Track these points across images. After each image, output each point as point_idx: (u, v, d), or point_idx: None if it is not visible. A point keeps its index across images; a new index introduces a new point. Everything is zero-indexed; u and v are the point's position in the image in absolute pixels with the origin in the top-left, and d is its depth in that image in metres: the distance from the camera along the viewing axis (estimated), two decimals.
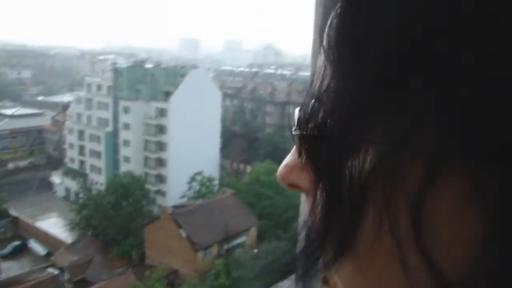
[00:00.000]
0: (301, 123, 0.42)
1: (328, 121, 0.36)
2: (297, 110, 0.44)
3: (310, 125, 0.40)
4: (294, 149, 0.45)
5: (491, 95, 0.28)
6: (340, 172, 0.34)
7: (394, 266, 0.34)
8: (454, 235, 0.31)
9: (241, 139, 54.65)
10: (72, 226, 34.17)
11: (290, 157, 0.46)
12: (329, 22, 0.39)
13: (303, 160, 0.43)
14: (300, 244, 0.44)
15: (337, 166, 0.35)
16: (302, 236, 1.57)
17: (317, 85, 0.40)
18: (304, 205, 1.54)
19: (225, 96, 55.52)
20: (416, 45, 0.30)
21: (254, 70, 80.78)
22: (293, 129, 0.44)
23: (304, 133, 0.40)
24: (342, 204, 0.35)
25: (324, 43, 0.39)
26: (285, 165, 0.46)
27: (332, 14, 0.39)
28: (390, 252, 0.34)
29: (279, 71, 76.69)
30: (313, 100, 0.41)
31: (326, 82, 0.38)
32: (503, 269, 0.29)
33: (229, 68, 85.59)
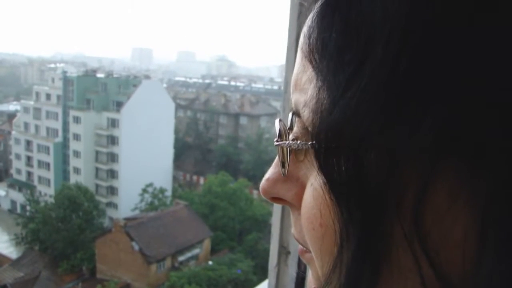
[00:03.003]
0: (282, 134, 0.43)
1: (327, 131, 0.36)
2: (277, 121, 0.44)
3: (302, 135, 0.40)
4: (275, 162, 0.45)
5: (478, 95, 0.30)
6: (354, 181, 0.35)
7: (407, 276, 0.35)
8: (445, 232, 0.32)
9: (194, 151, 54.56)
10: (18, 240, 32.93)
11: (272, 170, 0.46)
12: (307, 27, 0.39)
13: (286, 171, 0.43)
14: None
15: (351, 174, 0.35)
16: (274, 248, 1.75)
17: (297, 92, 0.40)
18: (276, 215, 1.72)
19: (178, 107, 55.37)
20: (413, 47, 0.31)
21: (207, 81, 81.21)
22: (275, 140, 0.44)
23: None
24: (364, 217, 0.35)
25: (307, 48, 0.39)
26: (267, 179, 0.46)
27: (311, 18, 0.39)
28: (400, 260, 0.34)
29: (232, 83, 77.34)
30: (294, 111, 0.41)
31: (313, 91, 0.38)
32: (499, 267, 0.30)
33: (182, 79, 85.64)
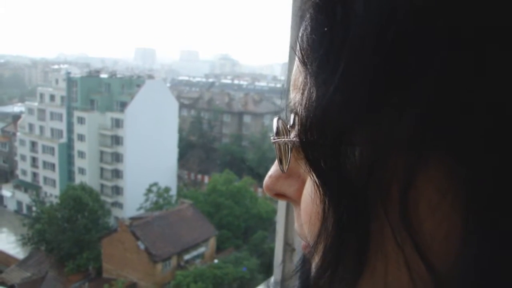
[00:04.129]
0: (279, 132, 0.45)
1: (312, 126, 0.37)
2: (275, 119, 0.46)
3: (299, 132, 0.40)
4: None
5: (458, 90, 0.30)
6: (338, 175, 0.35)
7: (396, 269, 0.36)
8: (435, 226, 0.33)
9: (199, 150, 54.54)
10: (24, 241, 33.06)
11: (274, 168, 0.47)
12: (302, 28, 0.41)
13: (285, 168, 0.45)
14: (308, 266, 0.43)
15: (335, 169, 0.36)
16: (279, 246, 1.77)
17: (295, 92, 0.42)
18: (280, 212, 1.75)
19: (182, 106, 55.34)
20: (390, 47, 0.32)
21: (210, 80, 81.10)
22: (271, 137, 0.46)
23: (295, 139, 0.41)
24: (350, 207, 0.36)
25: (298, 49, 0.41)
26: (270, 176, 0.47)
27: (305, 19, 0.40)
28: (390, 256, 0.35)
29: (236, 81, 77.28)
30: (293, 110, 0.43)
31: (304, 88, 0.39)
32: (484, 259, 0.31)
33: (186, 78, 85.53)
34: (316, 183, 0.38)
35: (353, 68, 0.33)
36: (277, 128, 0.45)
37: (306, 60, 0.39)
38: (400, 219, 0.33)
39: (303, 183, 0.43)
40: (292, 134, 0.44)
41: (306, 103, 0.38)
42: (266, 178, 0.48)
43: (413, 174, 0.32)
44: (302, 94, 0.39)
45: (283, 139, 0.44)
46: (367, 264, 0.36)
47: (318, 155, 0.37)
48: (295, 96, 0.42)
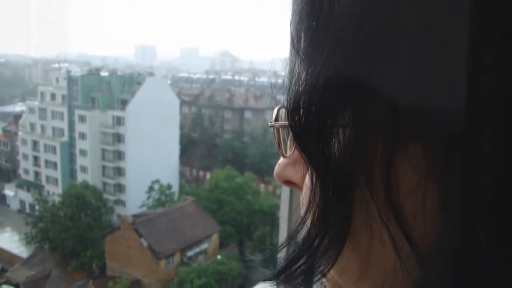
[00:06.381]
0: (278, 118, 0.48)
1: (302, 109, 0.38)
2: (276, 108, 0.49)
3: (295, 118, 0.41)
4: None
5: (431, 73, 0.31)
6: (324, 156, 0.37)
7: (381, 246, 0.36)
8: (416, 207, 0.33)
9: (200, 146, 54.56)
10: (28, 239, 33.14)
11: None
12: (293, 19, 0.42)
13: (284, 152, 0.48)
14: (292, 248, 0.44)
15: (320, 151, 0.37)
16: (282, 240, 1.77)
17: (289, 78, 0.43)
18: (283, 207, 1.76)
19: (183, 103, 55.27)
20: (367, 36, 0.34)
21: (211, 76, 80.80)
22: (269, 122, 0.48)
23: (280, 124, 0.45)
24: (332, 187, 0.37)
25: (289, 39, 0.43)
26: (279, 163, 0.49)
27: (296, 11, 0.42)
28: (375, 233, 0.36)
29: (236, 77, 77.13)
30: (289, 96, 0.43)
31: (295, 75, 0.41)
32: (462, 239, 0.31)
33: (186, 75, 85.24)
34: (306, 164, 0.40)
35: (335, 55, 0.35)
36: (277, 114, 0.48)
37: (296, 49, 0.41)
38: (384, 198, 0.34)
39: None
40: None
41: (294, 88, 0.40)
42: (276, 166, 0.50)
43: (392, 154, 0.33)
44: (291, 80, 0.41)
45: (279, 123, 0.46)
46: (351, 241, 0.37)
47: (305, 137, 0.38)
48: (291, 78, 0.43)
